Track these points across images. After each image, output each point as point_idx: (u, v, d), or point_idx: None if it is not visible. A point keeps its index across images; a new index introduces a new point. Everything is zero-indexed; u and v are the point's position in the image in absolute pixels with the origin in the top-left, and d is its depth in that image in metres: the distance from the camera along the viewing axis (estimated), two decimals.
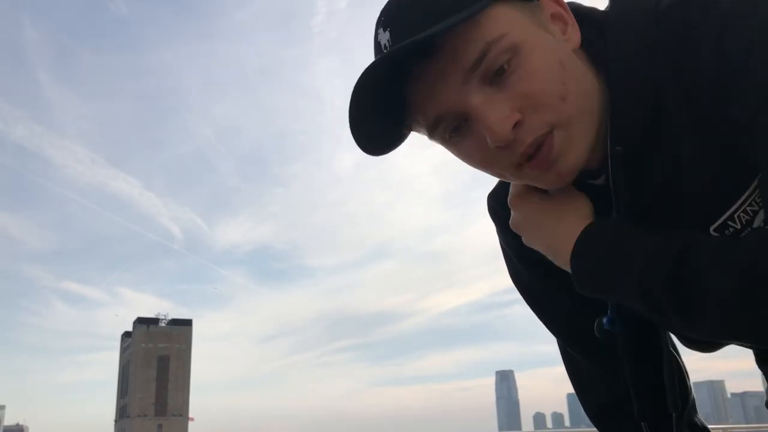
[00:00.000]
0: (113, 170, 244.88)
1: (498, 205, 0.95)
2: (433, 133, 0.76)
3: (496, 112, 0.69)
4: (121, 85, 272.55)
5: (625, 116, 0.72)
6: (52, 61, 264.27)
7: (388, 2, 0.73)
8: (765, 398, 1.06)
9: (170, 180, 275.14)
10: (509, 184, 0.86)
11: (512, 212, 0.83)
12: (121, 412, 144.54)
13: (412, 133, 0.79)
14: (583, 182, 0.80)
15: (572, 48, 0.74)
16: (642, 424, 0.92)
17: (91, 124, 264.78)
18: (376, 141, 0.78)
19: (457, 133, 0.75)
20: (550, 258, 0.78)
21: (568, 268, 0.75)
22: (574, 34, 0.75)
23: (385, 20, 0.72)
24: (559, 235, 0.77)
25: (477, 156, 0.76)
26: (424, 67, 0.70)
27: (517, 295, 1.01)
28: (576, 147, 0.72)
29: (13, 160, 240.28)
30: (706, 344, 0.87)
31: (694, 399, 0.99)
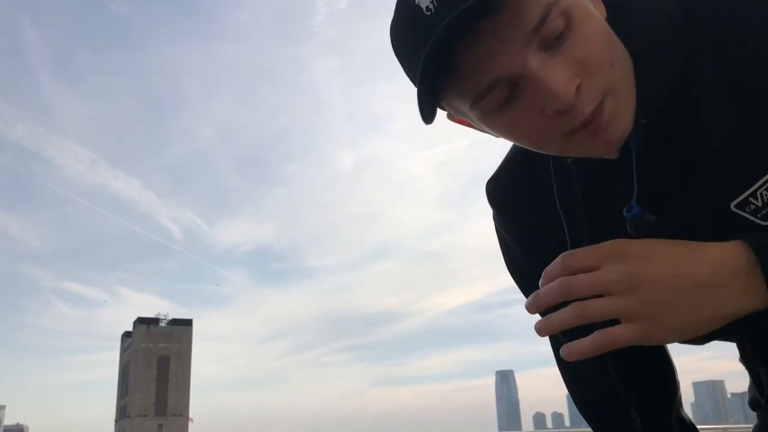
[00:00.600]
0: (113, 170, 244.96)
1: (496, 189, 0.95)
2: (481, 100, 0.70)
3: (557, 76, 0.67)
4: (122, 85, 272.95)
5: (652, 88, 0.72)
6: (52, 60, 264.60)
7: None
8: (748, 396, 1.04)
9: (170, 180, 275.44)
10: (509, 170, 0.88)
11: (628, 264, 0.67)
12: (122, 412, 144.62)
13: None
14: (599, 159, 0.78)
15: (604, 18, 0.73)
16: (630, 408, 0.92)
17: (91, 124, 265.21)
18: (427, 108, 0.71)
19: (508, 100, 0.70)
20: (699, 286, 0.65)
21: (734, 289, 0.64)
22: (601, 7, 0.75)
23: None
24: (708, 258, 0.66)
25: (528, 124, 0.71)
26: (483, 26, 0.65)
27: (518, 295, 0.99)
28: (624, 114, 0.71)
29: (13, 160, 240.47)
30: (700, 338, 0.79)
31: (680, 394, 1.00)
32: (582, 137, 0.70)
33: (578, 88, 0.67)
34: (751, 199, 0.71)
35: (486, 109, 0.71)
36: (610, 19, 0.74)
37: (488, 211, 0.97)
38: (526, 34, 0.66)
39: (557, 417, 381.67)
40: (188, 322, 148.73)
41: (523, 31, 0.66)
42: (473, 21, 0.64)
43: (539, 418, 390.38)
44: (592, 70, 0.68)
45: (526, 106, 0.69)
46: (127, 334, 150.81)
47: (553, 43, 0.67)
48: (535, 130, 0.71)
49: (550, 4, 0.66)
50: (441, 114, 0.73)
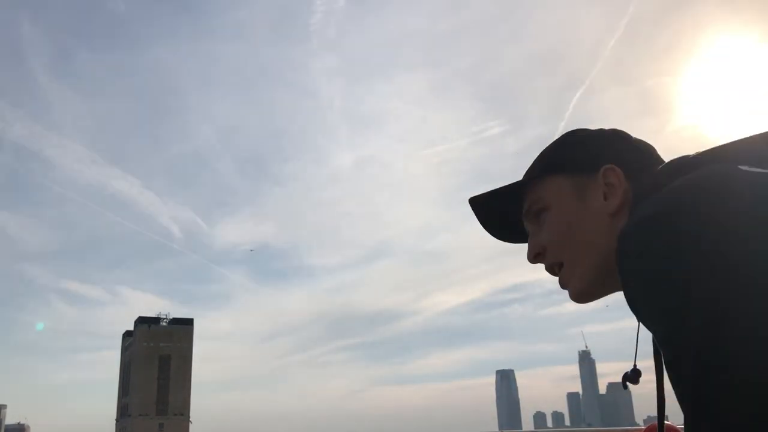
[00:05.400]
0: (113, 169, 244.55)
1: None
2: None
3: (531, 243, 1.12)
4: (120, 84, 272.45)
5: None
6: (51, 59, 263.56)
7: None
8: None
9: (170, 179, 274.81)
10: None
11: None
12: (122, 412, 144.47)
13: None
14: None
15: (609, 211, 1.03)
16: None
17: (90, 122, 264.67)
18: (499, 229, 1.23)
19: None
20: None
21: None
22: (614, 203, 1.03)
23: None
24: None
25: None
26: (517, 205, 1.16)
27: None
28: (575, 281, 1.07)
29: (11, 159, 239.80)
30: None
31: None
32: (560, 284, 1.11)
33: (537, 255, 1.11)
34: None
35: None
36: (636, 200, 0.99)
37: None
38: (523, 214, 1.15)
39: (557, 416, 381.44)
40: (189, 322, 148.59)
41: (524, 211, 1.15)
42: (509, 197, 1.16)
43: (540, 418, 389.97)
44: (550, 245, 1.09)
45: None
46: (128, 333, 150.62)
47: (537, 221, 1.12)
48: (532, 262, 1.14)
49: (535, 199, 1.12)
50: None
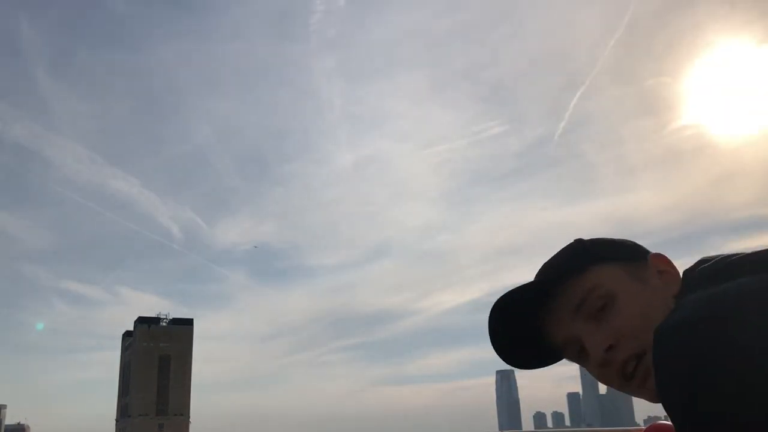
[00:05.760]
0: (112, 169, 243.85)
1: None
2: (565, 355, 1.10)
3: (592, 340, 1.01)
4: (120, 83, 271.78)
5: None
6: (50, 59, 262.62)
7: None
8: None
9: (169, 179, 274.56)
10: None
11: None
12: (123, 412, 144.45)
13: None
14: None
15: (672, 294, 1.01)
16: None
17: (89, 122, 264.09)
18: (520, 358, 1.14)
19: (582, 355, 1.06)
20: None
21: None
22: (674, 287, 1.02)
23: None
24: None
25: (595, 374, 1.05)
26: (547, 306, 1.06)
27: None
28: None
29: (11, 159, 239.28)
30: None
31: None
32: (633, 387, 1.00)
33: (612, 347, 0.99)
34: None
35: (572, 360, 1.09)
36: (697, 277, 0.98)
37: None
38: (571, 311, 1.04)
39: (558, 416, 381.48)
40: (189, 322, 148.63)
41: (569, 309, 1.04)
42: (541, 301, 1.07)
43: (540, 418, 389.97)
44: (625, 335, 0.98)
45: (589, 360, 1.04)
46: (128, 334, 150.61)
47: (595, 315, 1.01)
48: (601, 378, 1.04)
49: (591, 288, 1.02)
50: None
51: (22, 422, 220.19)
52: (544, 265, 1.12)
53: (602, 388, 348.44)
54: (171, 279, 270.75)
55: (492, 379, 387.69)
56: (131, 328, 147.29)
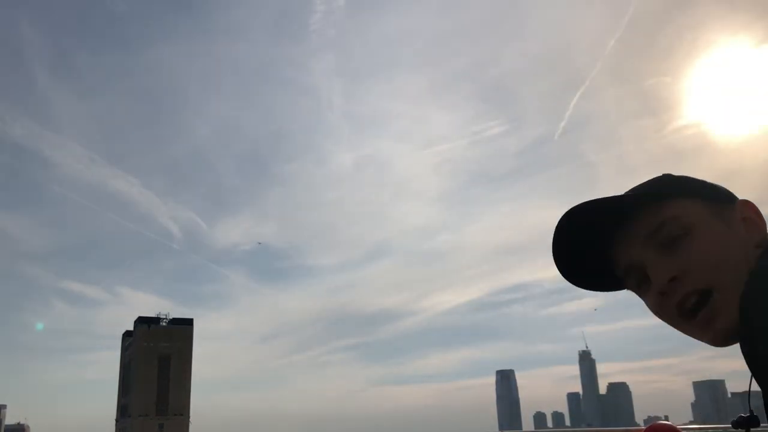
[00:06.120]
0: (112, 169, 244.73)
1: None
2: (626, 282, 1.08)
3: (660, 267, 0.99)
4: (119, 83, 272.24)
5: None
6: (50, 59, 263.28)
7: None
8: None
9: (169, 179, 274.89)
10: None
11: None
12: (122, 412, 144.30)
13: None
14: None
15: (754, 243, 1.00)
16: None
17: (89, 122, 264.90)
18: (582, 277, 1.12)
19: (643, 285, 1.04)
20: None
21: None
22: (756, 237, 1.01)
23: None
24: None
25: (652, 304, 1.03)
26: (621, 227, 1.04)
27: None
28: (728, 312, 0.92)
29: (11, 159, 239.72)
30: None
31: None
32: (693, 326, 0.98)
33: (676, 278, 0.98)
34: None
35: (631, 289, 1.07)
36: None
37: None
38: (645, 237, 1.02)
39: (558, 416, 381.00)
40: (189, 322, 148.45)
41: (643, 233, 1.02)
42: (615, 220, 1.04)
43: (540, 418, 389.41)
44: (694, 268, 0.96)
45: (650, 290, 1.02)
46: (128, 334, 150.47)
47: (668, 245, 1.00)
48: (657, 309, 1.03)
49: (671, 217, 1.00)
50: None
51: (22, 422, 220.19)
52: (627, 191, 1.08)
53: (602, 388, 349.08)
54: (171, 279, 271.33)
55: (492, 379, 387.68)
56: (131, 328, 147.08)
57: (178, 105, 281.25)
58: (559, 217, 1.06)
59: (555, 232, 1.07)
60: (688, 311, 0.97)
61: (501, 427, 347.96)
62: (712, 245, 0.98)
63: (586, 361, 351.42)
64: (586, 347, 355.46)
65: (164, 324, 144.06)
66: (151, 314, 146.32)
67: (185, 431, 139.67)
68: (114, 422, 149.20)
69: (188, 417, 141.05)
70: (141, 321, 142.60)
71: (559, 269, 1.10)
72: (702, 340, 0.98)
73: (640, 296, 1.07)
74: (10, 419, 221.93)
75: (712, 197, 1.05)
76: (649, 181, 1.09)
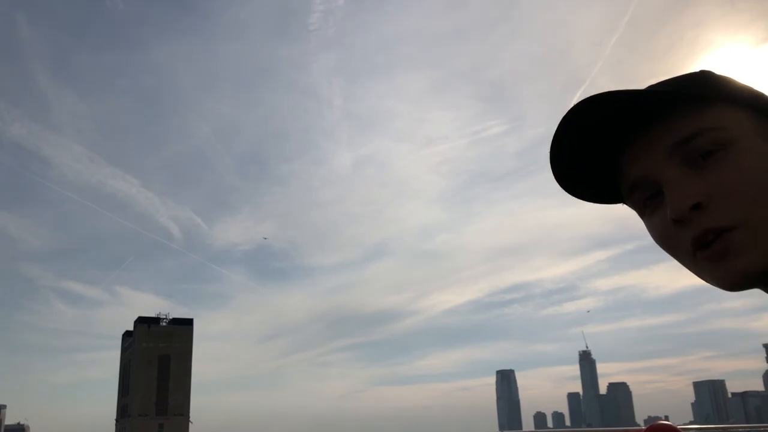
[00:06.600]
0: (111, 169, 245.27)
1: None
2: (629, 197, 0.82)
3: (682, 188, 0.75)
4: (119, 83, 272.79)
5: None
6: (49, 59, 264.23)
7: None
8: None
9: (169, 179, 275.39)
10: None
11: None
12: (122, 412, 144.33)
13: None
14: None
15: None
16: None
17: (88, 122, 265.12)
18: (577, 182, 0.86)
19: (650, 203, 0.80)
20: None
21: None
22: None
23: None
24: None
25: (659, 230, 0.80)
26: (640, 129, 0.78)
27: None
28: (752, 251, 0.73)
29: (10, 159, 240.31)
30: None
31: None
32: (704, 261, 0.76)
33: (701, 206, 0.74)
34: None
35: (634, 206, 0.83)
36: None
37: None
38: (669, 147, 0.76)
39: (558, 416, 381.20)
40: (189, 322, 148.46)
41: (667, 143, 0.76)
42: (629, 122, 0.78)
43: (540, 418, 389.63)
44: (725, 196, 0.73)
45: (658, 211, 0.79)
46: (128, 334, 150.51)
47: (696, 161, 0.75)
48: (665, 237, 0.79)
49: (703, 129, 0.75)
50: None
51: (22, 422, 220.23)
52: (653, 84, 0.82)
53: (602, 388, 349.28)
54: (171, 279, 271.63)
55: (492, 379, 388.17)
56: (131, 328, 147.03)
57: (179, 105, 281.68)
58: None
59: (558, 126, 0.81)
60: (701, 245, 0.76)
61: (501, 427, 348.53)
62: (752, 170, 0.74)
63: (586, 361, 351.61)
64: (586, 347, 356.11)
65: (164, 324, 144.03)
66: (151, 314, 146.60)
67: (185, 431, 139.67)
68: (114, 422, 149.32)
69: (188, 417, 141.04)
70: (141, 321, 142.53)
71: (553, 171, 0.85)
72: (706, 280, 0.78)
73: (641, 217, 0.84)
74: (10, 419, 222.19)
75: (761, 108, 0.80)
76: (683, 75, 0.82)
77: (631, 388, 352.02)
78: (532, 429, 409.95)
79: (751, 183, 0.73)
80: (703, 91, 0.78)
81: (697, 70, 0.83)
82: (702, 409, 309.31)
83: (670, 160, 0.76)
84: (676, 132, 0.76)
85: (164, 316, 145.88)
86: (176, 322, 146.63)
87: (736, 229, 0.73)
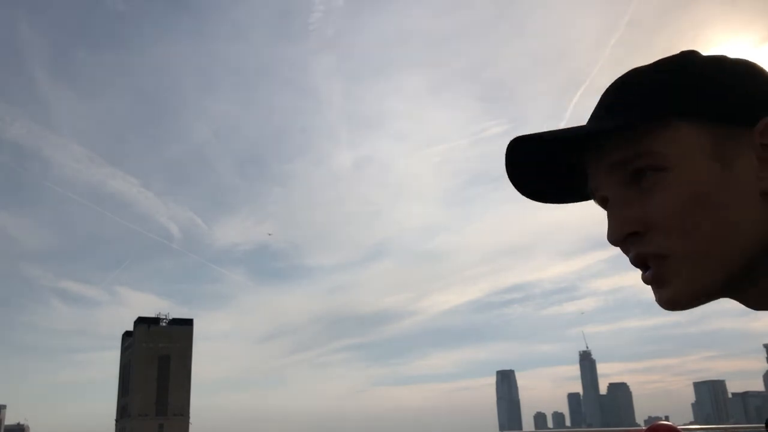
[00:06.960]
0: (111, 169, 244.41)
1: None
2: (593, 197, 0.82)
3: (621, 211, 0.74)
4: (119, 83, 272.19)
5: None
6: (49, 58, 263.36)
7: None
8: None
9: (169, 179, 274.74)
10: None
11: None
12: (122, 412, 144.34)
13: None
14: None
15: (763, 188, 0.69)
16: None
17: (88, 122, 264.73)
18: (541, 191, 0.85)
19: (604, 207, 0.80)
20: None
21: None
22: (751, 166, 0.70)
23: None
24: None
25: (608, 237, 0.78)
26: (590, 146, 0.77)
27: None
28: (679, 281, 0.71)
29: (10, 159, 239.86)
30: None
31: None
32: (644, 281, 0.75)
33: (637, 234, 0.73)
34: None
35: (598, 204, 0.81)
36: None
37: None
38: (607, 167, 0.76)
39: (558, 417, 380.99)
40: (189, 322, 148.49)
41: (607, 162, 0.76)
42: (581, 139, 0.78)
43: (540, 418, 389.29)
44: (659, 225, 0.71)
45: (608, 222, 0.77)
46: (127, 334, 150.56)
47: (634, 182, 0.73)
48: (616, 244, 0.77)
49: (639, 153, 0.72)
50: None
51: (22, 422, 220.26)
52: (629, 71, 0.80)
53: (603, 389, 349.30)
54: (171, 279, 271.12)
55: (492, 379, 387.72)
56: (131, 328, 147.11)
57: (178, 105, 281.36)
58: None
59: (505, 166, 0.81)
60: (641, 269, 0.76)
61: (501, 427, 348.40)
62: (689, 197, 0.70)
63: (587, 361, 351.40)
64: (587, 347, 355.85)
65: (164, 324, 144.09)
66: (151, 314, 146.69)
67: (185, 431, 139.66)
68: (114, 422, 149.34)
69: (188, 417, 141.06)
70: (141, 321, 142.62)
71: (515, 184, 0.84)
72: (656, 299, 0.76)
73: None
74: (10, 419, 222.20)
75: (720, 116, 0.72)
76: (660, 65, 0.78)
77: (632, 388, 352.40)
78: (533, 429, 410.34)
79: (686, 212, 0.70)
80: (651, 108, 0.73)
81: (685, 50, 0.79)
82: (702, 410, 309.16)
83: (611, 178, 0.76)
84: (615, 154, 0.74)
85: (164, 316, 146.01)
86: (176, 322, 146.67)
87: (668, 258, 0.72)
